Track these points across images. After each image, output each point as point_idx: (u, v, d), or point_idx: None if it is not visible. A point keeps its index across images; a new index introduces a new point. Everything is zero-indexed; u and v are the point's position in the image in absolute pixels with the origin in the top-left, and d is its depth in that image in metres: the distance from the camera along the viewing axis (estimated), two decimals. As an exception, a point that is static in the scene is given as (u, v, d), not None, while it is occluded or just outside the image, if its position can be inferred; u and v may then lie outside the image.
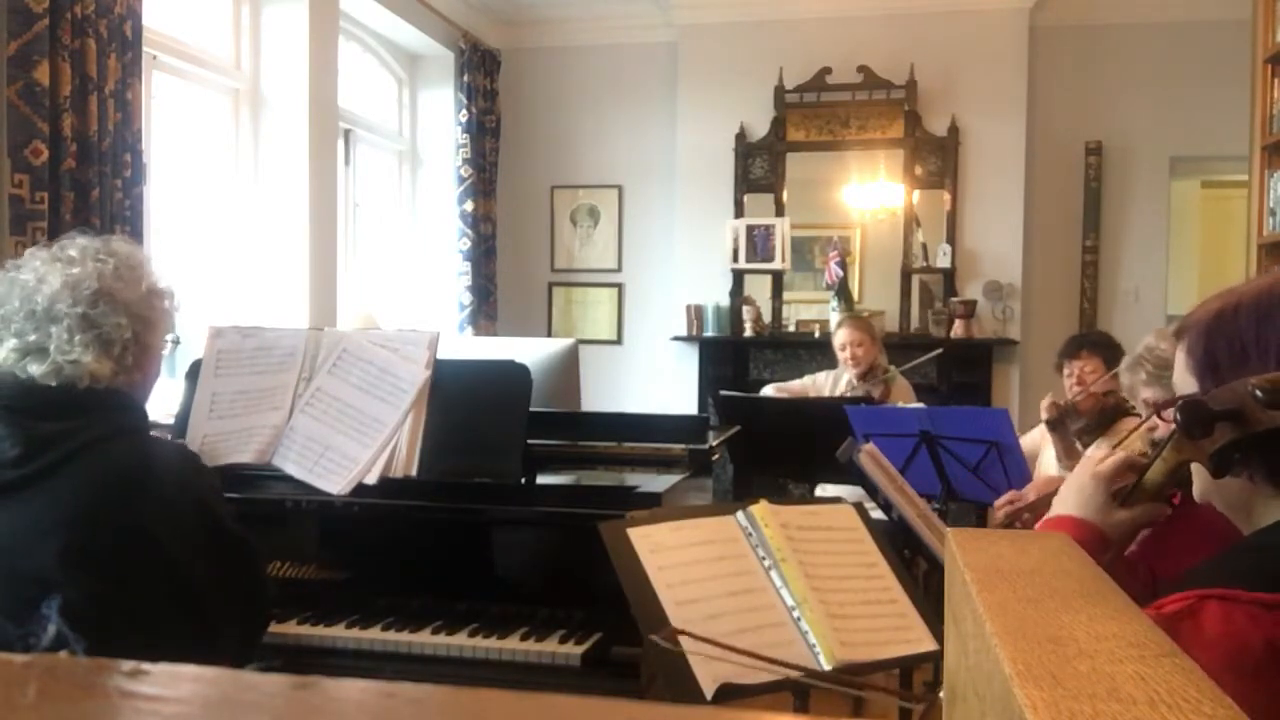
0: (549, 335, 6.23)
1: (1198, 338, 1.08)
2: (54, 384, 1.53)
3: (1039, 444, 3.45)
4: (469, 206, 5.89)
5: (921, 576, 2.82)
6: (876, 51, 5.71)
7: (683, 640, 1.34)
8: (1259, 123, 4.04)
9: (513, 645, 1.91)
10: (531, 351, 2.46)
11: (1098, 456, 1.27)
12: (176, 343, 1.78)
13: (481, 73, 5.97)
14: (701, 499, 2.38)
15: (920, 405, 3.85)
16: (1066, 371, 3.51)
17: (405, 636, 1.95)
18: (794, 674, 1.35)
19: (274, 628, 1.97)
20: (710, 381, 5.84)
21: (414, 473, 2.07)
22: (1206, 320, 1.08)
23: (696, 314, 5.96)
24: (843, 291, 5.70)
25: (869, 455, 1.89)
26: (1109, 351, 3.47)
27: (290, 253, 4.42)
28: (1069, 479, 1.30)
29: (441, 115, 5.95)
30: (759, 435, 3.43)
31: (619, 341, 6.39)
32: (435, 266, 5.93)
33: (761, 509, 1.63)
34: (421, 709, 0.41)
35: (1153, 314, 5.68)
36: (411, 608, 2.02)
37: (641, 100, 6.24)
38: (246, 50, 4.39)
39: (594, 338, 6.24)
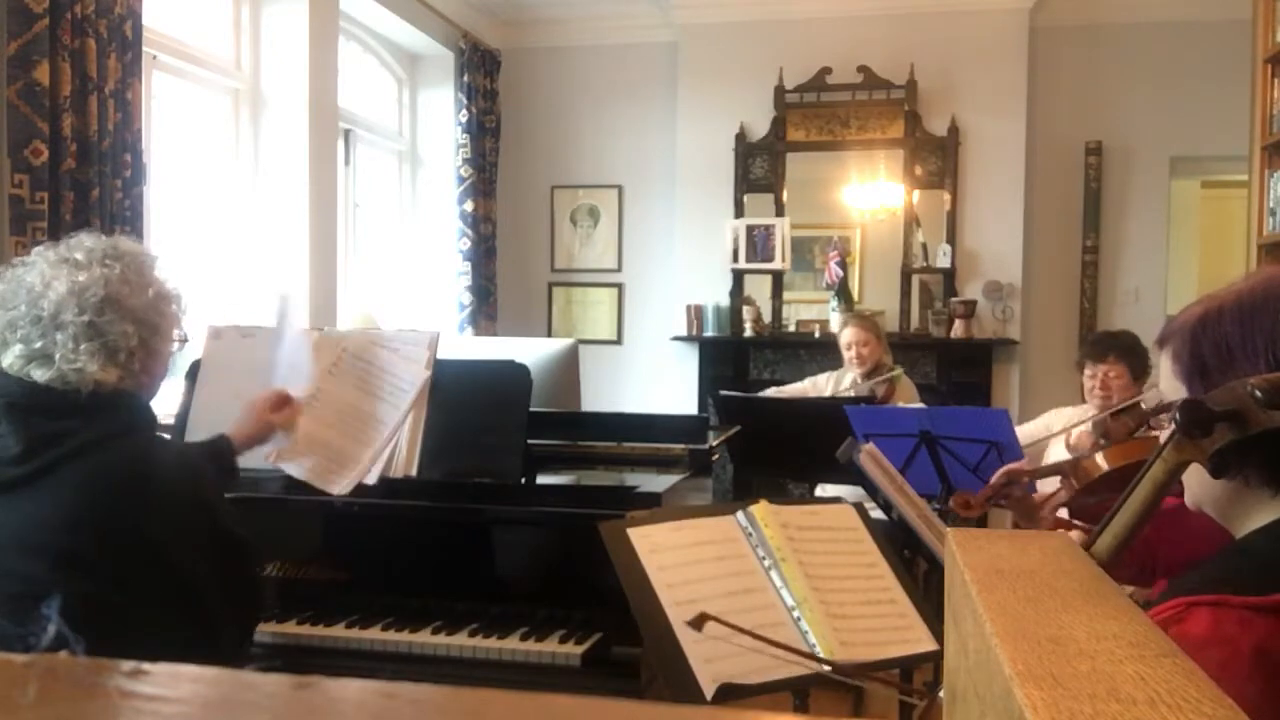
0: (549, 335, 6.23)
1: (1183, 343, 1.08)
2: (58, 388, 1.52)
3: (1033, 436, 3.42)
4: (469, 206, 5.89)
5: (921, 576, 2.83)
6: (876, 51, 5.71)
7: (711, 627, 1.34)
8: (1259, 123, 4.04)
9: (513, 645, 1.91)
10: (531, 351, 2.46)
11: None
12: (184, 341, 1.77)
13: (481, 73, 5.97)
14: (701, 499, 2.38)
15: (920, 405, 3.86)
16: (1089, 373, 3.39)
17: (405, 636, 1.95)
18: (817, 667, 1.35)
19: (274, 628, 1.97)
20: (710, 381, 5.83)
21: (414, 473, 2.07)
22: (1191, 325, 1.08)
23: (696, 314, 5.96)
24: (843, 291, 5.70)
25: (869, 455, 1.89)
26: (1137, 359, 3.37)
27: (290, 253, 4.42)
28: None
29: (441, 115, 5.95)
30: (759, 435, 3.43)
31: (619, 341, 6.39)
32: (435, 266, 5.93)
33: (761, 509, 1.63)
34: (421, 709, 0.41)
35: (1153, 314, 5.68)
36: (411, 608, 2.03)
37: (641, 100, 6.24)
38: (246, 50, 4.39)
39: (594, 338, 6.24)
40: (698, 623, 1.33)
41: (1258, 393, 0.91)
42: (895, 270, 5.77)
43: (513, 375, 2.14)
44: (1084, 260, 5.75)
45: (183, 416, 2.17)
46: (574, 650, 1.89)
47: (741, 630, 1.34)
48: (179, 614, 1.52)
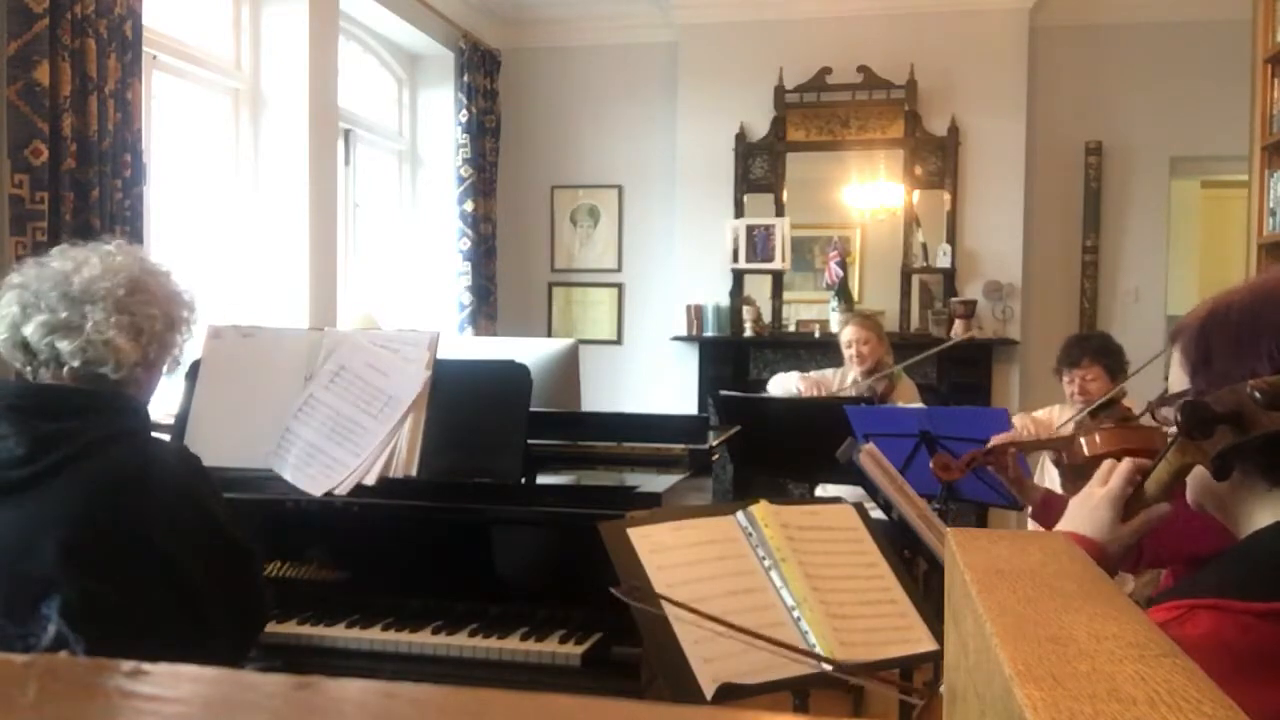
0: (549, 335, 6.23)
1: (1191, 338, 1.09)
2: (77, 364, 1.54)
3: (1050, 423, 3.43)
4: (469, 206, 5.89)
5: (921, 576, 2.82)
6: (876, 51, 5.71)
7: (679, 617, 1.34)
8: (1259, 123, 4.04)
9: (513, 645, 1.91)
10: (531, 351, 2.46)
11: (1105, 472, 1.26)
12: (177, 362, 1.77)
13: (481, 73, 5.97)
14: (701, 499, 2.38)
15: (920, 405, 3.86)
16: (1067, 379, 3.45)
17: (405, 636, 1.95)
18: (810, 662, 1.35)
19: (274, 627, 1.97)
20: (710, 381, 5.83)
21: (414, 473, 2.07)
22: (1200, 320, 1.09)
23: (696, 314, 5.96)
24: (843, 291, 5.70)
25: (869, 455, 1.89)
26: (1111, 359, 3.42)
27: (290, 253, 4.42)
28: (1080, 496, 1.28)
29: (441, 115, 5.95)
30: (759, 435, 3.43)
31: (619, 341, 6.39)
32: (435, 266, 5.93)
33: (761, 509, 1.63)
34: (421, 709, 0.41)
35: (1153, 314, 5.68)
36: (411, 608, 2.03)
37: (641, 100, 6.24)
38: (246, 50, 4.39)
39: (594, 338, 6.24)
40: (648, 599, 1.32)
41: (1257, 395, 0.92)
42: (895, 270, 5.77)
43: (513, 375, 2.14)
44: (1084, 260, 5.75)
45: (183, 416, 2.17)
46: (574, 650, 1.89)
47: (701, 614, 1.34)
48: (177, 616, 1.52)
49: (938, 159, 5.71)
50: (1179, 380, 1.12)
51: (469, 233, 5.89)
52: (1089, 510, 1.24)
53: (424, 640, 1.94)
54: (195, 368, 2.20)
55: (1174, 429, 1.04)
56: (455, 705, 0.41)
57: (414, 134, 6.01)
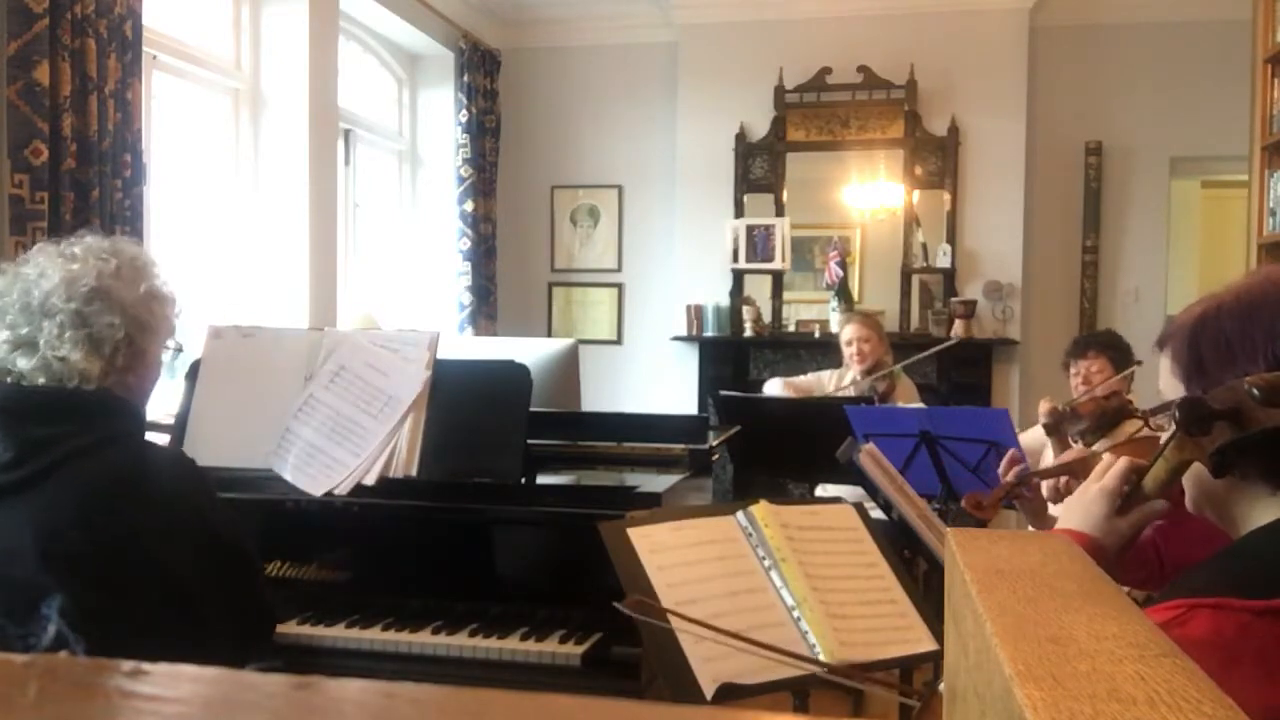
0: (549, 335, 6.23)
1: (1182, 342, 1.09)
2: (43, 380, 1.51)
3: (1042, 441, 3.44)
4: (469, 206, 5.89)
5: (921, 576, 2.82)
6: (876, 51, 5.71)
7: (680, 625, 1.34)
8: (1259, 123, 4.04)
9: (513, 645, 1.91)
10: (531, 351, 2.46)
11: (1101, 468, 1.27)
12: (179, 350, 1.76)
13: (481, 73, 5.97)
14: (701, 499, 2.38)
15: (920, 405, 3.86)
16: (1073, 370, 3.50)
17: (405, 636, 1.95)
18: (802, 666, 1.35)
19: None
20: (710, 381, 5.84)
21: (414, 473, 2.07)
22: (1190, 324, 1.08)
23: (696, 314, 5.96)
24: (843, 291, 5.70)
25: (869, 455, 1.89)
26: (1117, 352, 3.46)
27: (290, 253, 4.42)
28: (1077, 492, 1.29)
29: (441, 115, 5.95)
30: (759, 435, 3.43)
31: (619, 341, 6.39)
32: (435, 266, 5.93)
33: (761, 509, 1.63)
34: (421, 709, 0.41)
35: (1153, 314, 5.68)
36: (411, 608, 2.02)
37: (641, 100, 6.24)
38: (246, 50, 4.39)
39: (594, 338, 6.24)
40: (657, 614, 1.32)
41: (1255, 391, 0.92)
42: (895, 270, 5.77)
43: (513, 375, 2.14)
44: (1084, 260, 5.75)
45: (183, 417, 2.17)
46: (574, 650, 1.89)
47: (710, 627, 1.34)
48: (171, 621, 1.51)
49: (938, 159, 5.71)
50: (1170, 386, 1.11)
51: (469, 233, 5.89)
52: (1084, 504, 1.24)
53: (424, 640, 1.94)
54: (195, 368, 2.20)
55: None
56: (455, 705, 0.41)
57: (414, 134, 6.01)
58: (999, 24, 5.66)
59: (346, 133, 5.16)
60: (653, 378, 6.20)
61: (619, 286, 6.39)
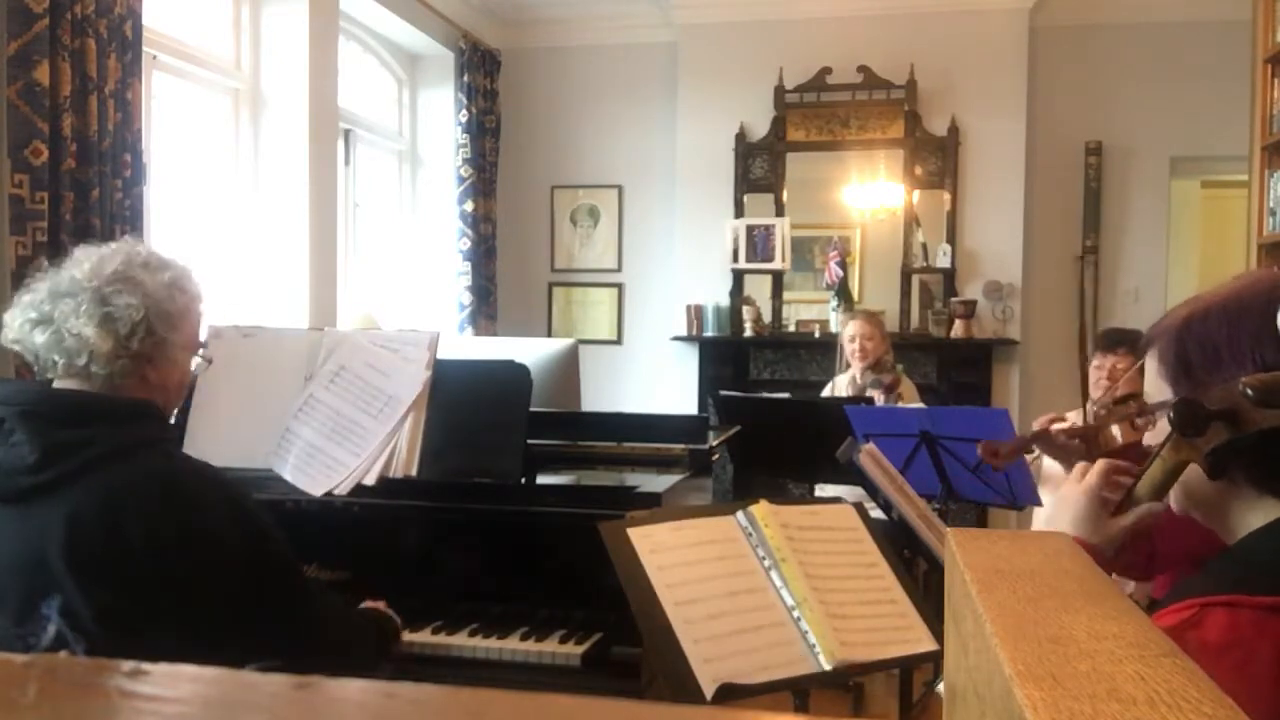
0: (549, 335, 6.23)
1: (1169, 344, 1.08)
2: (58, 358, 1.52)
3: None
4: (469, 206, 5.89)
5: (921, 576, 2.83)
6: (876, 51, 5.71)
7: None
8: (1259, 123, 4.04)
9: (513, 645, 1.91)
10: (531, 351, 2.46)
11: (1080, 470, 1.26)
12: (209, 362, 1.75)
13: (481, 73, 5.97)
14: (701, 499, 2.38)
15: (920, 405, 3.86)
16: (1096, 363, 3.45)
17: (405, 636, 1.95)
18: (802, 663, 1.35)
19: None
20: (710, 381, 5.84)
21: (414, 473, 2.07)
22: (1177, 326, 1.08)
23: (696, 314, 5.96)
24: (843, 291, 5.70)
25: (869, 455, 1.89)
26: None
27: (290, 253, 4.42)
28: (1060, 493, 1.28)
29: (441, 115, 5.95)
30: (759, 435, 3.43)
31: (619, 341, 6.39)
32: (435, 266, 5.93)
33: (761, 509, 1.63)
34: (421, 709, 0.41)
35: (1153, 314, 5.63)
36: (411, 608, 2.02)
37: (641, 100, 6.24)
38: (246, 50, 4.39)
39: (594, 338, 6.24)
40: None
41: (1249, 391, 0.92)
42: (895, 270, 5.77)
43: (513, 375, 2.14)
44: (1084, 260, 5.75)
45: (183, 417, 2.17)
46: (574, 650, 1.89)
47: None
48: (195, 630, 1.49)
49: (938, 159, 5.71)
50: (1156, 387, 1.11)
51: (469, 233, 5.89)
52: (1067, 505, 1.23)
53: (424, 640, 1.94)
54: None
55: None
56: (455, 705, 0.41)
57: (414, 134, 6.01)
58: (999, 24, 5.66)
59: (346, 133, 5.16)
60: (653, 378, 6.20)
61: (619, 286, 6.39)
